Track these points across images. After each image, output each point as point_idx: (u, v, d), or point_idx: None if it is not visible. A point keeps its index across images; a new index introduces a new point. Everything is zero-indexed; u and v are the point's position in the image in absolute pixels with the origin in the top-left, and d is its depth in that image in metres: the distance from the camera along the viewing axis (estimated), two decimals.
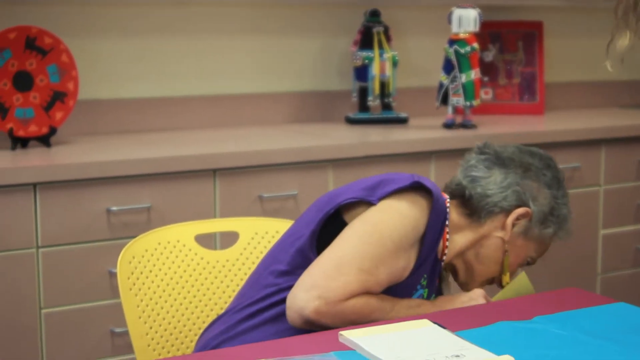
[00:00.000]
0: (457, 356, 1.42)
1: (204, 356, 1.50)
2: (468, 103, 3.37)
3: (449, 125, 3.38)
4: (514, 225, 1.86)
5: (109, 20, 3.19)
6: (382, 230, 1.72)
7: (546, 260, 1.88)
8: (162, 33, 3.29)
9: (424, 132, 3.31)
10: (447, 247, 1.84)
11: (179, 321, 1.96)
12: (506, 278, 1.89)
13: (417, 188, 1.79)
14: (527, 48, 3.97)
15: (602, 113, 4.06)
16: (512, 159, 1.88)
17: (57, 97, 2.86)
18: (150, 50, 3.28)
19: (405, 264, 1.75)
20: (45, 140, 2.85)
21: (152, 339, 1.93)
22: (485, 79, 3.90)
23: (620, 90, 4.37)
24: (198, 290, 2.00)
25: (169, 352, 1.95)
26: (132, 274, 1.92)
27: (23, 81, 2.82)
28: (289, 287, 1.72)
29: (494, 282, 1.93)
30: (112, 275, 2.59)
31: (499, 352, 1.42)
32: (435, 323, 1.58)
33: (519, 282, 1.88)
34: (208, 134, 3.20)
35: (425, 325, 1.58)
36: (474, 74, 3.36)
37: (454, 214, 1.87)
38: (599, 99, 4.32)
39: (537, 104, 3.97)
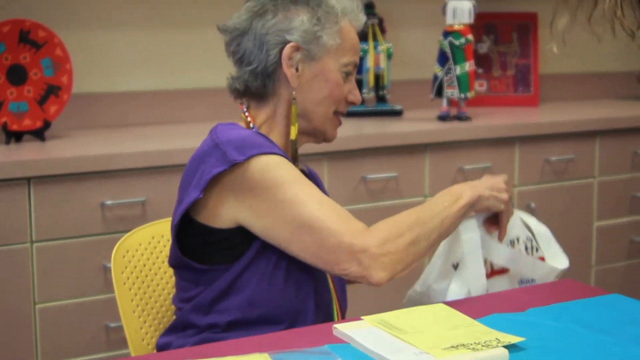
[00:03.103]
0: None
1: (198, 350, 1.50)
2: (462, 95, 3.37)
3: (443, 118, 3.38)
4: (296, 68, 1.77)
5: (103, 14, 3.19)
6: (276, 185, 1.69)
7: None
8: (156, 26, 3.28)
9: (418, 124, 3.31)
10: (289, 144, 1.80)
11: (173, 315, 1.96)
12: (294, 129, 1.79)
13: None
14: (521, 39, 3.97)
15: (597, 104, 4.07)
16: (243, 19, 1.79)
17: (51, 91, 2.85)
18: (144, 44, 3.27)
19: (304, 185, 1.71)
20: (39, 134, 2.84)
21: (147, 333, 1.93)
22: (480, 70, 3.90)
23: (614, 81, 4.37)
24: None
25: None
26: (126, 268, 1.92)
27: (17, 75, 2.82)
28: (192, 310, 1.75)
29: (341, 107, 1.83)
30: (107, 270, 2.58)
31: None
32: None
33: None
34: (203, 127, 3.18)
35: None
36: (469, 65, 3.36)
37: (261, 113, 1.82)
38: (593, 90, 4.33)
39: (532, 95, 3.97)
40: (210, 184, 1.70)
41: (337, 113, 1.85)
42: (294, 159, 1.81)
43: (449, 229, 1.76)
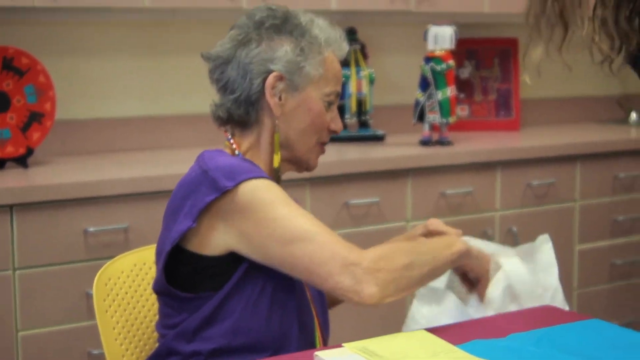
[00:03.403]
0: None
1: None
2: (444, 120, 3.39)
3: (425, 143, 3.40)
4: (280, 97, 1.78)
5: (87, 41, 3.20)
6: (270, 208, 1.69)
7: None
8: (140, 52, 3.29)
9: (400, 149, 3.33)
10: (273, 169, 1.81)
11: (155, 343, 1.96)
12: (277, 158, 1.80)
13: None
14: (502, 64, 4.01)
15: (577, 128, 4.10)
16: (227, 47, 1.81)
17: (34, 118, 2.86)
18: (128, 70, 3.28)
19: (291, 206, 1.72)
20: (22, 161, 2.84)
21: None
22: (462, 95, 3.92)
23: (595, 105, 4.41)
24: None
25: None
26: (108, 295, 1.92)
27: (0, 102, 2.82)
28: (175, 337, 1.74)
29: (324, 136, 1.84)
30: (90, 297, 2.56)
31: None
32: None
33: None
34: (186, 154, 3.19)
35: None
36: (450, 91, 3.39)
37: (244, 141, 1.83)
38: (574, 114, 4.36)
39: (513, 119, 4.00)
40: (201, 213, 1.70)
41: (319, 143, 1.85)
42: None
43: (440, 268, 1.75)
